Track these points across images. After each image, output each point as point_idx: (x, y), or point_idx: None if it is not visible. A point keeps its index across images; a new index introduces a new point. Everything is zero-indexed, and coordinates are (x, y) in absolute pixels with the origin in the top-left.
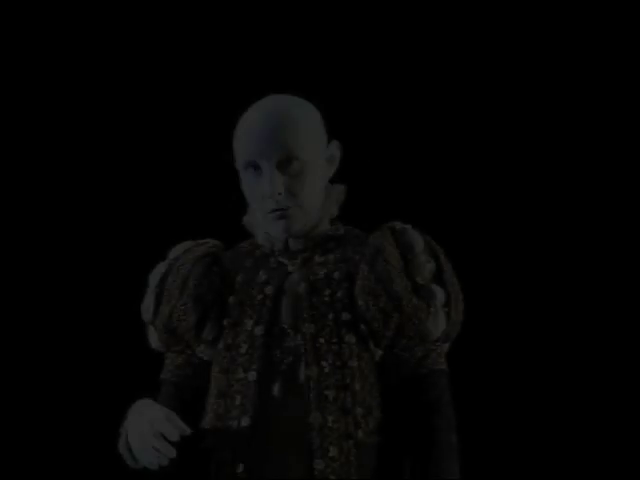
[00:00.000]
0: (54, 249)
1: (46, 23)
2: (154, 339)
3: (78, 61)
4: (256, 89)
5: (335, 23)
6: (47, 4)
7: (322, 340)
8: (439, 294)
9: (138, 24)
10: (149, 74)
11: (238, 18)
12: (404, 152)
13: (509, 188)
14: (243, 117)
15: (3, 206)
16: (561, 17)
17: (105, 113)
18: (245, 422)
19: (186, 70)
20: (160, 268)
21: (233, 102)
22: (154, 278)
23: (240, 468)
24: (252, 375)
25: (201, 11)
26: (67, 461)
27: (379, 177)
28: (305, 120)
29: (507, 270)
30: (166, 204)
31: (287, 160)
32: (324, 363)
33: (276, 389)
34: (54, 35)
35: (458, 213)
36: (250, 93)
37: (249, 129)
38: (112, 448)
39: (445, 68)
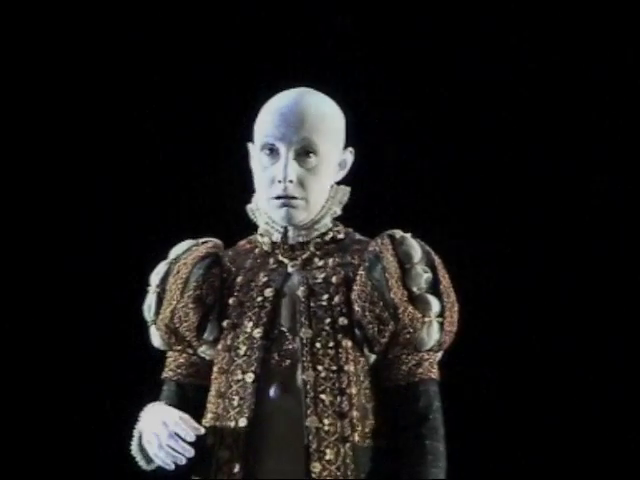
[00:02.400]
0: (56, 249)
1: (57, 23)
2: (156, 338)
3: (82, 59)
4: (257, 89)
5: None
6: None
7: (319, 345)
8: (434, 304)
9: (145, 21)
10: (153, 72)
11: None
12: (412, 159)
13: (512, 199)
14: (272, 100)
15: (5, 206)
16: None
17: (107, 112)
18: (242, 423)
19: (189, 67)
20: (161, 268)
21: (236, 101)
22: (155, 278)
23: (236, 468)
24: (250, 377)
25: (214, 11)
26: (71, 463)
27: (384, 181)
28: (331, 119)
29: (504, 281)
30: (167, 203)
31: (306, 152)
32: (320, 367)
33: (273, 391)
34: (63, 34)
35: (459, 223)
36: (252, 93)
37: (278, 112)
38: (118, 449)
39: (451, 77)
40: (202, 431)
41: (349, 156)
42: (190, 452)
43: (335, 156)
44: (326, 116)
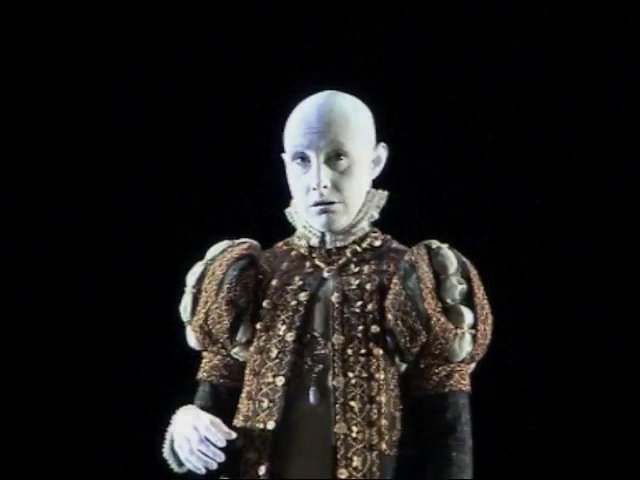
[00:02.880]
0: (98, 250)
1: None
2: (192, 339)
3: (92, 56)
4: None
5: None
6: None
7: (350, 351)
8: (468, 316)
9: (161, 21)
10: (187, 78)
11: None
12: (454, 165)
13: (557, 209)
14: (298, 108)
15: (31, 206)
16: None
17: (145, 114)
18: (270, 426)
19: (216, 67)
20: (197, 269)
21: (275, 105)
22: (191, 279)
23: (262, 470)
24: (280, 380)
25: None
26: (105, 465)
27: (426, 189)
28: (357, 119)
29: (536, 293)
30: (206, 204)
31: (336, 156)
32: (351, 374)
33: (303, 396)
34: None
35: (498, 235)
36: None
37: (302, 120)
38: (151, 452)
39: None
40: (233, 436)
41: (382, 151)
42: (221, 457)
43: (367, 154)
44: (351, 116)
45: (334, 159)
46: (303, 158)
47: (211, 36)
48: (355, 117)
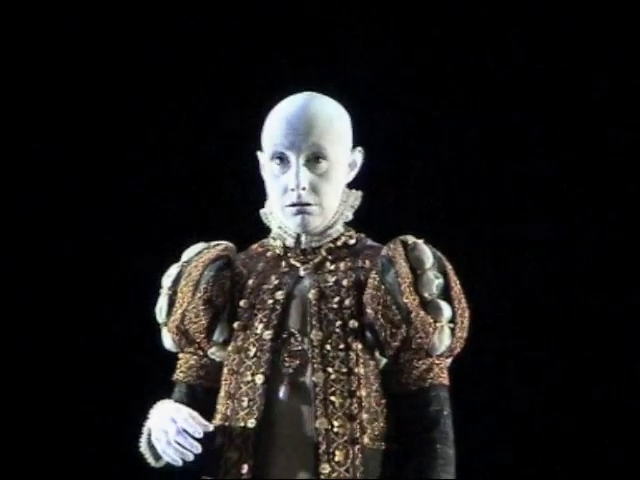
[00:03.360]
0: (72, 251)
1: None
2: (167, 340)
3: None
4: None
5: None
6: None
7: (329, 347)
8: (446, 310)
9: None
10: (164, 75)
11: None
12: (424, 163)
13: (524, 204)
14: (277, 108)
15: (19, 207)
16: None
17: (120, 110)
18: (251, 424)
19: (201, 70)
20: (173, 270)
21: (249, 105)
22: (167, 280)
23: (244, 469)
24: (260, 378)
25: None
26: (81, 462)
27: (396, 187)
28: (338, 122)
29: (514, 287)
30: (181, 206)
31: (315, 158)
32: (330, 369)
33: (283, 393)
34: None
35: (471, 229)
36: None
37: (285, 120)
38: (129, 448)
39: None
40: (210, 428)
41: (358, 156)
42: (198, 449)
43: (345, 158)
44: (333, 119)
45: (313, 162)
46: (282, 158)
47: (196, 28)
48: (337, 121)
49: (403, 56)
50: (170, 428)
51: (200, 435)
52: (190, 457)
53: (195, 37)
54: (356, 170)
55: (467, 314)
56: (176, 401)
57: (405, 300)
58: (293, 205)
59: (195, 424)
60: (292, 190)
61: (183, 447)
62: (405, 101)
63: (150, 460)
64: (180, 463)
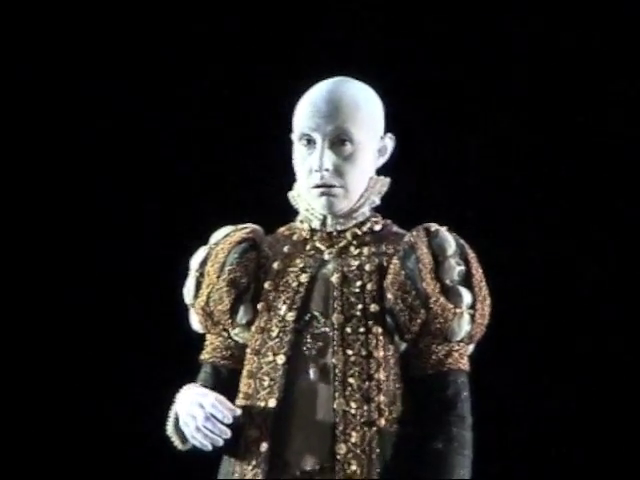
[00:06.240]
0: (102, 237)
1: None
2: (195, 321)
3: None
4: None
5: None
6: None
7: (349, 329)
8: (466, 296)
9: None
10: (194, 63)
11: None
12: (456, 153)
13: (550, 198)
14: (310, 91)
15: (39, 198)
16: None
17: (141, 104)
18: (272, 403)
19: (232, 61)
20: (200, 253)
21: (283, 89)
22: (195, 262)
23: (263, 447)
24: (281, 359)
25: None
26: (107, 445)
27: (425, 174)
28: (366, 106)
29: (535, 275)
30: (213, 190)
31: (341, 141)
32: (350, 352)
33: (303, 374)
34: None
35: (496, 218)
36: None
37: (312, 103)
38: (154, 429)
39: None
40: (238, 412)
41: (389, 142)
42: (227, 434)
43: (373, 143)
44: (360, 104)
45: (338, 144)
46: (309, 140)
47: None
48: (365, 105)
49: (438, 52)
50: (198, 414)
51: (230, 421)
52: (220, 442)
53: (223, 20)
54: (386, 156)
55: (488, 302)
56: (201, 381)
57: (425, 286)
58: (317, 187)
59: (224, 409)
60: (316, 171)
61: (212, 432)
62: (436, 89)
63: (177, 443)
64: (210, 448)
